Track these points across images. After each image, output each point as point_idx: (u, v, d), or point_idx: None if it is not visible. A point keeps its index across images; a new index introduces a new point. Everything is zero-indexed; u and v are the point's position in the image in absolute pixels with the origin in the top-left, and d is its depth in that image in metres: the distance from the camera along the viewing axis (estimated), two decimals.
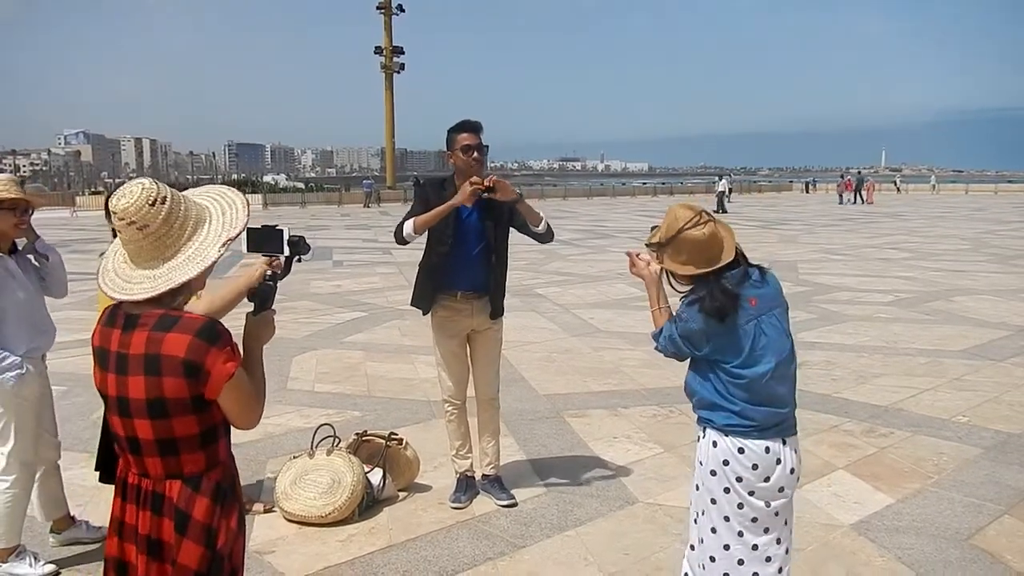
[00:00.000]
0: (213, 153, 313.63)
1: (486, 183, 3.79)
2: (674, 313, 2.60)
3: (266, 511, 4.12)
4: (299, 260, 2.29)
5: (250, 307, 2.13)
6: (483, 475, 4.33)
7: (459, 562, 3.61)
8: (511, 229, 4.14)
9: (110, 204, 1.91)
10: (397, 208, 34.52)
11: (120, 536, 1.97)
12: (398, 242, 4.09)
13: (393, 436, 4.39)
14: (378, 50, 55.98)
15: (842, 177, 48.25)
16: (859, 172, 51.08)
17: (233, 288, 2.34)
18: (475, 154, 3.93)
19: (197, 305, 2.30)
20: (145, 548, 1.91)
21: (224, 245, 1.91)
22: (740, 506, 2.49)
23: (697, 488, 2.59)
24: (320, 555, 3.70)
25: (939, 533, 3.84)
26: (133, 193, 1.84)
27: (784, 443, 2.52)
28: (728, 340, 2.45)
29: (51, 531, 3.81)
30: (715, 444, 2.50)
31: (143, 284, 1.86)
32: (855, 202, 41.62)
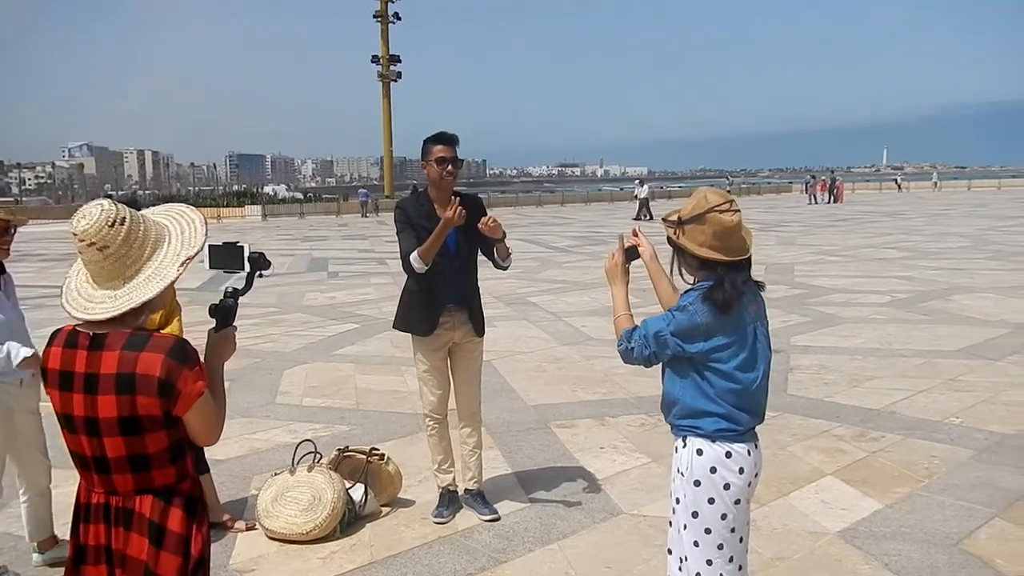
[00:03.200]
0: (214, 164, 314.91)
1: (486, 222, 3.78)
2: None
3: (248, 529, 4.08)
4: (260, 275, 2.29)
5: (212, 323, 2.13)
6: (466, 489, 4.29)
7: None
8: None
9: (71, 226, 1.92)
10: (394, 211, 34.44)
11: (84, 563, 1.97)
12: (411, 275, 4.01)
13: (375, 451, 4.35)
14: (375, 59, 56.13)
15: (812, 178, 49.30)
16: (832, 173, 52.12)
17: None
18: (449, 167, 3.92)
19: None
20: (120, 564, 1.93)
21: (183, 264, 1.94)
22: (723, 516, 2.42)
23: (678, 501, 2.48)
24: (301, 572, 3.66)
25: (927, 538, 3.78)
26: (92, 215, 1.87)
27: (756, 447, 2.48)
28: (732, 338, 2.37)
29: (35, 550, 3.79)
30: (700, 452, 2.42)
31: (105, 304, 1.89)
32: (829, 201, 42.15)
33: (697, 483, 2.42)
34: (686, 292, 2.46)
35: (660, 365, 2.51)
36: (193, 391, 1.89)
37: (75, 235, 1.89)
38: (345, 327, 9.75)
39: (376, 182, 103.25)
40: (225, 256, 2.28)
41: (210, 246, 2.32)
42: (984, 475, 4.52)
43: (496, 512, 4.17)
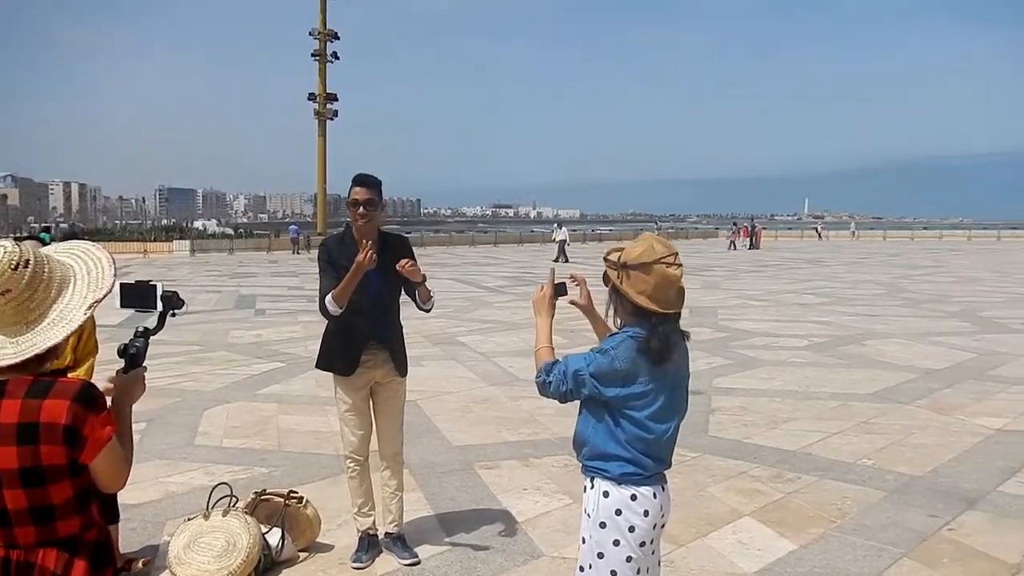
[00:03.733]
0: (143, 198, 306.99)
1: (403, 265, 3.75)
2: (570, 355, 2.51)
3: (144, 565, 3.92)
4: (173, 315, 2.26)
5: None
6: (386, 533, 4.22)
7: None
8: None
9: None
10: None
11: None
12: (327, 318, 4.00)
13: (293, 494, 4.25)
14: (311, 96, 55.90)
15: (734, 225, 51.83)
16: (752, 220, 54.68)
17: None
18: (361, 209, 3.90)
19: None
20: None
21: (90, 308, 1.88)
22: (629, 559, 2.43)
23: (584, 541, 2.50)
24: None
25: None
26: None
27: (663, 489, 2.52)
28: (650, 387, 2.39)
29: None
30: (606, 494, 2.44)
31: (7, 350, 1.81)
32: (750, 247, 43.89)
33: (603, 524, 2.44)
34: (612, 335, 2.48)
35: (577, 403, 2.53)
36: (101, 437, 1.82)
37: None
38: (270, 366, 9.55)
39: (310, 219, 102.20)
40: (137, 295, 2.23)
41: (122, 284, 2.28)
42: (893, 516, 4.66)
43: (416, 556, 4.11)
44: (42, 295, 1.85)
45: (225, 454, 5.98)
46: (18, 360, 1.81)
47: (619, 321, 2.50)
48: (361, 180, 3.96)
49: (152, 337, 2.20)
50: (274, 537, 4.04)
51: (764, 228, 65.66)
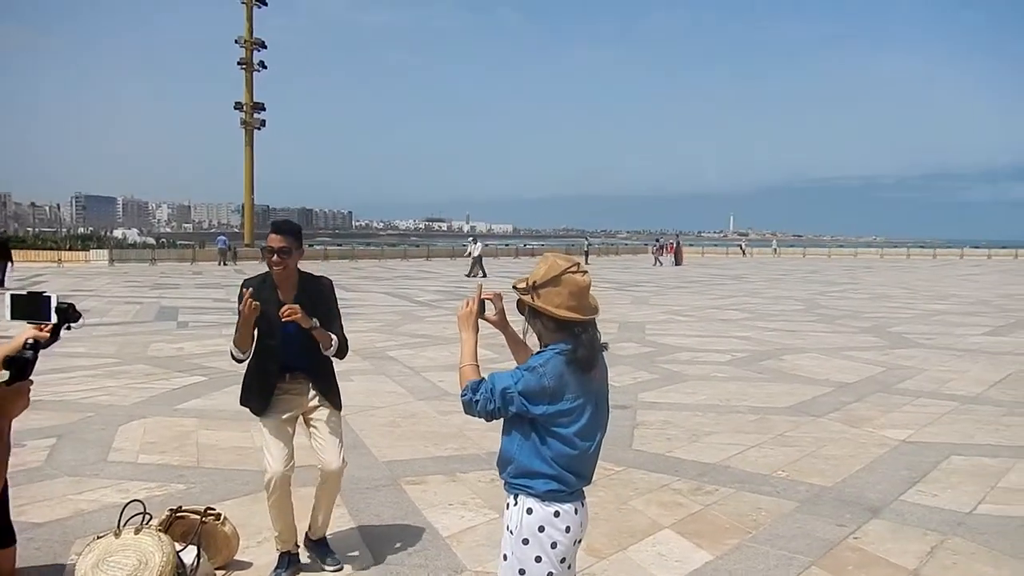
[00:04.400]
0: (58, 205, 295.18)
1: (284, 313, 3.81)
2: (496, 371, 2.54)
3: None
4: (68, 328, 2.21)
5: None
6: (307, 538, 4.23)
7: None
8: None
9: None
10: (254, 267, 33.46)
11: None
12: (237, 362, 4.08)
13: (210, 511, 4.16)
14: (238, 106, 54.89)
15: (657, 241, 52.94)
16: (677, 236, 56.20)
17: None
18: (275, 257, 3.95)
19: None
20: None
21: None
22: (549, 575, 2.48)
23: (505, 558, 2.53)
24: None
25: None
26: None
27: (583, 505, 2.57)
28: (577, 403, 2.44)
29: None
30: (530, 511, 2.47)
31: None
32: (676, 263, 44.83)
33: (525, 541, 2.47)
34: (538, 353, 2.51)
35: (502, 421, 2.56)
36: None
37: None
38: (191, 379, 9.32)
39: (236, 229, 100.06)
40: (30, 306, 2.18)
41: (12, 295, 2.23)
42: (804, 525, 4.83)
43: (340, 564, 4.14)
44: None
45: (140, 470, 5.81)
46: None
47: (542, 342, 2.54)
48: (276, 227, 4.00)
49: (43, 350, 2.15)
50: (189, 555, 3.94)
51: (691, 245, 67.39)
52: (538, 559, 2.46)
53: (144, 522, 3.95)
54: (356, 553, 4.35)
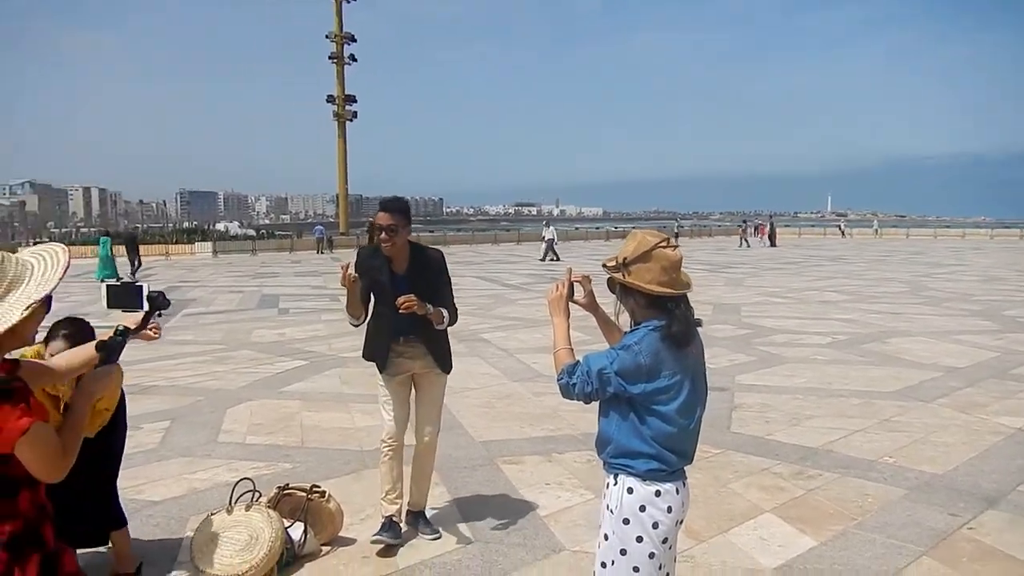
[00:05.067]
0: (164, 201, 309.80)
1: (400, 305, 3.93)
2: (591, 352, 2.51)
3: None
4: (159, 315, 2.33)
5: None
6: (408, 511, 4.41)
7: None
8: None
9: None
10: (351, 255, 34.32)
11: None
12: (353, 327, 4.30)
13: (315, 489, 4.31)
14: (330, 99, 56.19)
15: (744, 222, 50.49)
16: (770, 217, 53.86)
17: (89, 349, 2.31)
18: (383, 234, 4.09)
19: (53, 361, 2.27)
20: None
21: (28, 308, 1.91)
22: (651, 555, 2.45)
23: (606, 538, 2.51)
24: None
25: (859, 575, 3.87)
26: None
27: (684, 485, 2.54)
28: (674, 380, 2.41)
29: None
30: (631, 491, 2.45)
31: None
32: (770, 245, 43.21)
33: (626, 521, 2.45)
34: (632, 331, 2.48)
35: (599, 402, 2.54)
36: (16, 428, 1.86)
37: None
38: (293, 364, 9.64)
39: (332, 219, 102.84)
40: (124, 295, 2.31)
41: (108, 285, 2.36)
42: (914, 514, 4.65)
43: (438, 532, 4.34)
44: None
45: (248, 450, 6.06)
46: None
47: (634, 319, 2.51)
48: (384, 206, 4.16)
49: (155, 340, 2.26)
50: (296, 531, 4.10)
51: (786, 226, 65.39)
52: (639, 539, 2.44)
53: (254, 499, 4.13)
54: (456, 531, 4.44)
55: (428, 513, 4.51)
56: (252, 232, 64.69)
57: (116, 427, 3.88)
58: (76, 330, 3.55)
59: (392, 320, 4.14)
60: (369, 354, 4.36)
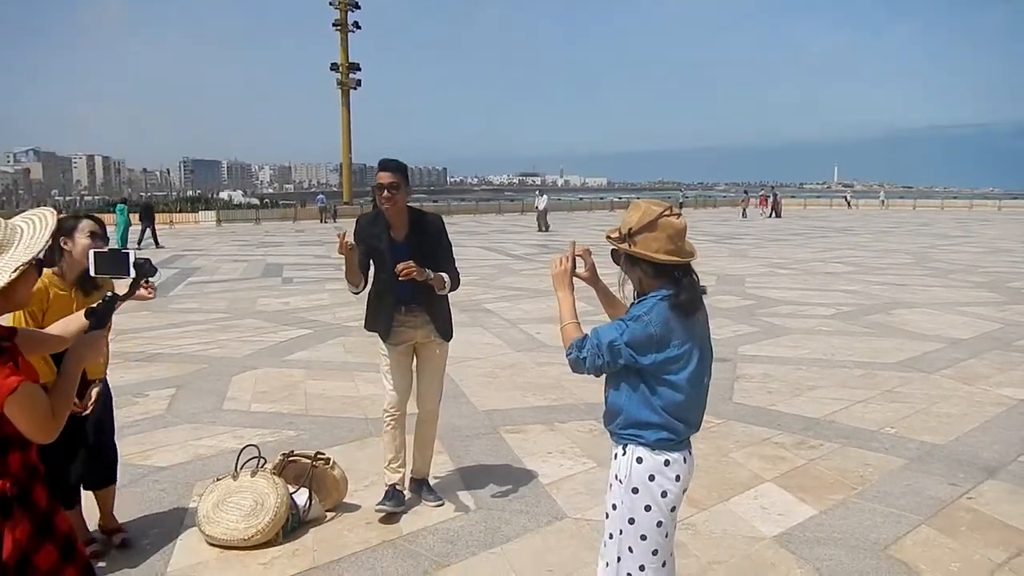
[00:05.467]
0: (168, 170, 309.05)
1: (400, 272, 3.91)
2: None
3: (121, 544, 3.92)
4: (146, 283, 2.38)
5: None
6: (412, 479, 4.45)
7: None
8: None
9: None
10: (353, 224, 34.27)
11: None
12: (354, 294, 4.32)
13: (320, 456, 4.35)
14: (334, 67, 55.78)
15: (746, 193, 50.40)
16: (772, 188, 53.26)
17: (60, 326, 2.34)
18: (385, 192, 4.07)
19: (54, 328, 2.29)
20: None
21: (16, 271, 1.94)
22: (659, 524, 2.47)
23: (614, 507, 2.52)
24: None
25: (858, 544, 3.91)
26: None
27: (690, 454, 2.55)
28: (684, 349, 2.40)
29: None
30: (640, 460, 2.46)
31: None
32: (771, 216, 42.94)
33: (635, 490, 2.46)
34: (639, 301, 2.47)
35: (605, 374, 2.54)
36: (2, 387, 1.90)
37: None
38: (298, 332, 9.68)
39: (335, 189, 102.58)
40: (110, 262, 2.32)
41: (95, 252, 2.38)
42: (913, 483, 4.68)
43: (441, 499, 4.38)
44: None
45: (253, 418, 6.11)
46: None
47: (641, 290, 2.50)
48: (384, 165, 4.14)
49: (122, 303, 2.27)
50: (301, 497, 4.14)
51: (792, 197, 65.06)
52: (648, 508, 2.46)
53: (259, 466, 4.17)
54: (459, 499, 4.48)
55: (432, 481, 4.55)
56: (256, 201, 64.59)
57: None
58: (104, 231, 3.61)
59: (394, 289, 4.14)
60: (371, 324, 4.36)
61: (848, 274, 15.88)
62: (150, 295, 2.35)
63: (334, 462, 4.37)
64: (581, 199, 63.91)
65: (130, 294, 2.33)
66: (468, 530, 4.08)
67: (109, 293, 2.24)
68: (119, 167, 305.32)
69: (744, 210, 44.59)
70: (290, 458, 4.36)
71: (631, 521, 2.48)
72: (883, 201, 60.17)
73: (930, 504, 4.37)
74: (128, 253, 2.30)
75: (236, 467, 4.16)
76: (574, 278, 2.67)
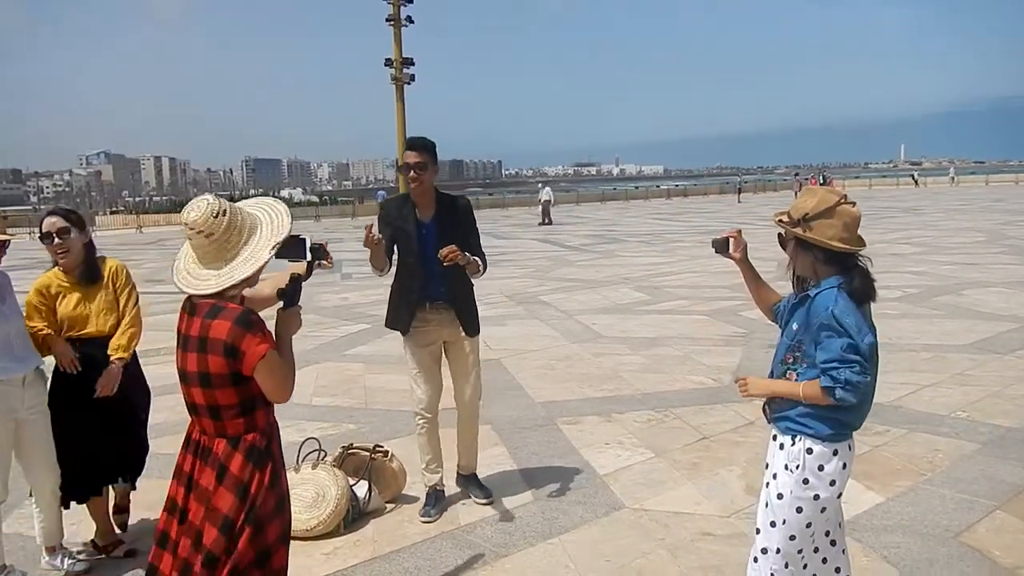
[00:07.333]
0: (231, 169, 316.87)
1: (444, 256, 3.81)
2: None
3: (126, 556, 3.94)
4: (320, 265, 2.58)
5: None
6: (459, 475, 4.43)
7: (441, 572, 3.62)
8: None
9: (181, 217, 2.35)
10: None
11: (177, 479, 2.45)
12: (379, 275, 4.16)
13: (378, 448, 4.41)
14: (388, 62, 56.26)
15: (796, 175, 49.01)
16: (821, 170, 51.56)
17: (269, 286, 2.70)
18: (412, 172, 3.98)
19: (259, 289, 2.66)
20: (190, 488, 2.38)
21: (273, 248, 2.37)
22: (823, 510, 2.51)
23: (780, 497, 2.51)
24: (304, 568, 3.70)
25: (927, 531, 3.80)
26: (200, 208, 2.31)
27: (853, 441, 2.56)
28: (875, 332, 2.41)
29: (44, 554, 3.83)
30: (810, 451, 2.46)
31: (210, 281, 2.32)
32: None
33: (806, 481, 2.47)
34: (821, 293, 2.42)
35: (776, 362, 2.56)
36: (256, 352, 2.25)
37: (185, 224, 2.30)
38: (357, 327, 9.82)
39: (392, 184, 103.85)
40: (290, 247, 2.54)
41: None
42: (986, 468, 4.52)
43: (491, 495, 4.32)
44: (236, 238, 2.34)
45: (314, 411, 6.22)
46: (219, 289, 2.31)
47: (813, 277, 2.48)
48: (411, 144, 4.06)
49: (304, 281, 2.54)
50: (361, 489, 4.21)
51: (856, 177, 63.36)
52: (816, 497, 2.48)
53: (320, 458, 4.25)
54: (516, 490, 4.48)
55: (488, 473, 4.56)
56: (315, 198, 65.76)
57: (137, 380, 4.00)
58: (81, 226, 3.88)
59: (418, 275, 4.05)
60: (392, 321, 4.25)
61: (915, 255, 15.39)
62: (330, 264, 2.65)
63: (393, 455, 4.43)
64: (637, 188, 63.26)
65: (308, 275, 2.55)
66: (526, 521, 4.09)
67: (293, 274, 2.52)
68: (184, 168, 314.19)
69: (796, 193, 43.58)
70: (350, 451, 4.43)
71: (799, 510, 2.49)
72: (953, 178, 58.17)
73: (1005, 489, 4.22)
74: (305, 238, 2.52)
75: (297, 460, 4.24)
76: (734, 259, 2.83)
